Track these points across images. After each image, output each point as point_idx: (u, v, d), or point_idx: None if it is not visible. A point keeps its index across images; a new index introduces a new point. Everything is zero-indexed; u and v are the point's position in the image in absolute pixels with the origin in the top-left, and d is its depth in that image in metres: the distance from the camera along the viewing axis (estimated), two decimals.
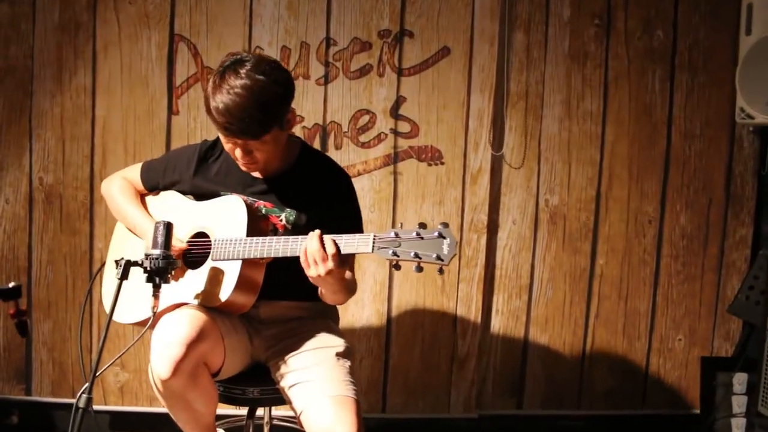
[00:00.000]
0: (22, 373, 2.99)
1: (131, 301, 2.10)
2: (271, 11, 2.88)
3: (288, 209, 2.13)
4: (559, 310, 3.11)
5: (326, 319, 2.25)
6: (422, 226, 1.79)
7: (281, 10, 2.88)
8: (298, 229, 2.12)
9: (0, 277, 2.94)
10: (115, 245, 2.38)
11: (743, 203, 3.12)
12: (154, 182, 2.30)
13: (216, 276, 2.04)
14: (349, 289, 2.08)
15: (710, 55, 3.06)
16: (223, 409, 2.19)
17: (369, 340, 3.03)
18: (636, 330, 3.15)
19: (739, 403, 2.94)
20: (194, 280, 2.07)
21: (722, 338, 3.19)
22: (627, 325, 3.15)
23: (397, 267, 1.83)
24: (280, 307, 2.20)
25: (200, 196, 2.22)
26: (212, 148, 2.22)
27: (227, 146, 2.06)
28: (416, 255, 1.77)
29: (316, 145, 2.92)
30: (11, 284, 1.78)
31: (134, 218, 2.24)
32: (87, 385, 1.79)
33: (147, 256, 1.94)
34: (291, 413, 2.07)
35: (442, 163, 2.97)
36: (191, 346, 1.87)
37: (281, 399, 2.11)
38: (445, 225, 1.78)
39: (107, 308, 2.24)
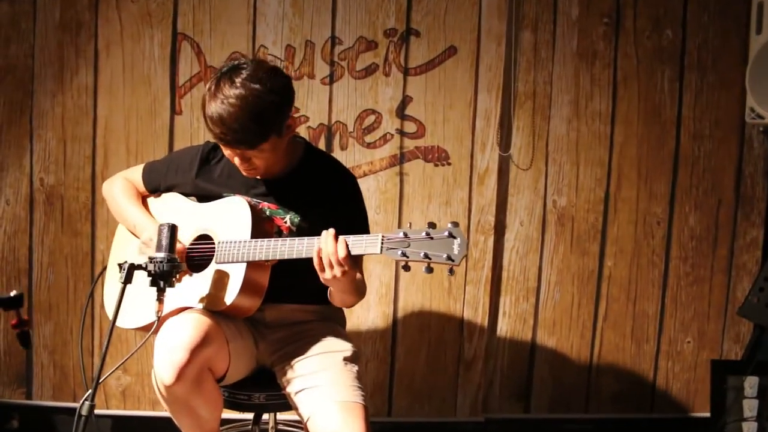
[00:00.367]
0: (22, 376, 2.95)
1: (134, 305, 2.05)
2: (276, 10, 2.84)
3: (292, 211, 2.10)
4: (567, 313, 3.07)
5: (333, 323, 2.21)
6: (431, 225, 1.76)
7: (286, 9, 2.84)
8: (302, 230, 2.08)
9: (0, 279, 2.91)
10: (117, 248, 2.34)
11: (754, 204, 3.08)
12: (155, 183, 2.26)
13: (220, 279, 2.00)
14: (360, 290, 2.04)
15: (720, 54, 3.02)
16: (228, 413, 2.15)
17: (374, 342, 2.99)
18: (644, 333, 3.11)
19: (750, 407, 2.90)
20: (198, 284, 2.03)
21: (732, 341, 3.15)
22: (635, 327, 3.11)
23: (407, 268, 1.79)
24: (285, 310, 2.16)
25: (203, 197, 2.19)
26: (215, 149, 2.19)
27: (226, 153, 2.04)
28: (426, 255, 1.73)
29: (321, 145, 2.88)
30: (12, 293, 1.69)
31: (135, 218, 2.20)
32: (90, 392, 1.74)
33: (151, 259, 1.90)
34: (296, 417, 2.03)
35: (449, 164, 2.94)
36: (195, 351, 1.84)
37: (287, 404, 2.07)
38: (455, 224, 1.74)
39: (109, 313, 2.22)
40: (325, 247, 1.84)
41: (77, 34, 2.82)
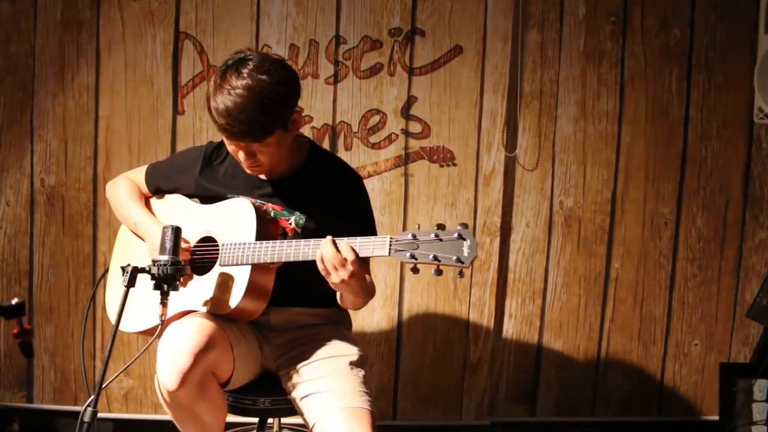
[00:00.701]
0: (23, 379, 2.92)
1: (136, 308, 2.02)
2: (279, 8, 2.81)
3: (297, 212, 2.06)
4: (574, 315, 3.03)
5: (339, 326, 2.18)
6: (440, 227, 1.73)
7: (289, 7, 2.81)
8: (308, 232, 2.05)
9: (1, 281, 2.88)
10: (119, 250, 2.30)
11: (762, 205, 3.05)
12: (158, 184, 2.23)
13: (225, 282, 1.97)
14: (369, 292, 2.01)
15: (727, 54, 2.99)
16: (232, 418, 2.12)
17: (379, 345, 2.96)
18: (651, 335, 3.08)
19: (759, 411, 2.87)
20: (202, 287, 2.00)
21: (740, 343, 3.12)
22: (642, 330, 3.07)
23: (416, 270, 1.75)
24: (291, 313, 2.12)
25: (206, 199, 2.15)
26: (218, 149, 2.15)
27: (230, 148, 1.99)
28: (435, 257, 1.69)
29: (325, 145, 2.85)
30: (14, 301, 1.61)
31: (136, 217, 2.17)
32: (92, 398, 1.71)
33: (155, 262, 1.86)
34: (301, 421, 2.00)
35: (454, 165, 2.90)
36: (199, 355, 1.80)
37: (292, 409, 2.04)
38: (465, 226, 1.71)
39: (111, 317, 2.19)
40: (326, 254, 1.80)
41: (78, 34, 2.79)
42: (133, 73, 2.82)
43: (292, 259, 1.88)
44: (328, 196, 2.06)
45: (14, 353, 2.90)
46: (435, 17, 2.84)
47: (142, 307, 2.03)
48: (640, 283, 3.05)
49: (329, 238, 1.82)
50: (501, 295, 2.99)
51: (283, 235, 2.05)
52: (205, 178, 2.13)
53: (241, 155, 1.96)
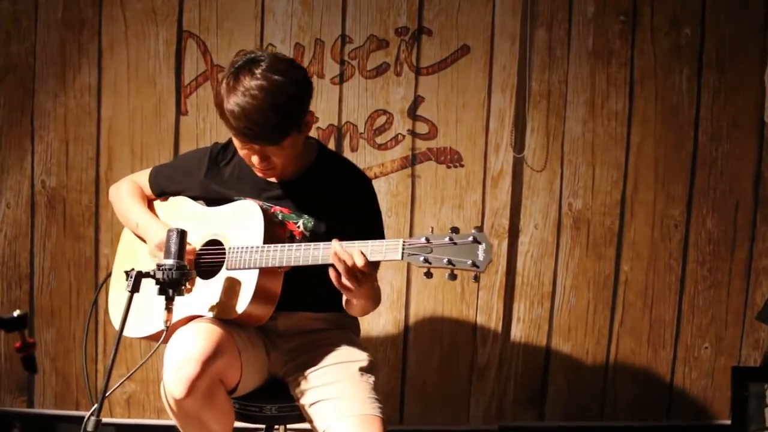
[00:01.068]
0: (23, 384, 2.88)
1: (140, 313, 1.98)
2: (284, 7, 2.77)
3: (306, 215, 2.02)
4: (583, 319, 2.99)
5: (347, 331, 2.14)
6: (454, 230, 1.68)
7: (294, 6, 2.77)
8: (316, 235, 2.00)
9: (1, 284, 2.84)
10: (122, 253, 2.26)
11: None
12: (163, 187, 2.18)
13: (231, 286, 1.92)
14: (377, 298, 1.96)
15: (738, 53, 2.95)
16: (239, 424, 2.07)
17: (386, 349, 2.92)
18: (661, 338, 3.04)
19: None
20: (208, 291, 1.96)
21: (750, 347, 3.08)
22: (652, 333, 3.03)
23: (429, 275, 1.71)
24: (298, 318, 2.08)
25: (212, 201, 2.11)
26: (224, 150, 2.11)
27: (242, 152, 1.94)
28: (449, 262, 1.65)
29: (331, 146, 2.80)
30: (16, 313, 1.51)
31: (137, 217, 2.12)
32: (96, 406, 1.67)
33: (159, 266, 1.82)
34: (308, 426, 1.96)
35: (462, 166, 2.86)
36: (207, 363, 1.76)
37: (300, 416, 1.99)
38: (479, 229, 1.67)
39: (114, 321, 2.15)
40: (339, 258, 1.76)
41: (80, 33, 2.76)
42: (136, 73, 2.78)
43: (301, 263, 1.83)
44: (336, 199, 2.02)
45: (15, 357, 2.84)
46: (442, 16, 2.80)
47: (146, 312, 1.99)
48: (649, 286, 3.01)
49: (336, 242, 1.77)
50: (509, 298, 2.95)
51: (291, 239, 2.01)
52: (210, 179, 2.08)
53: (254, 159, 1.92)
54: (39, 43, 2.75)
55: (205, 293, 1.95)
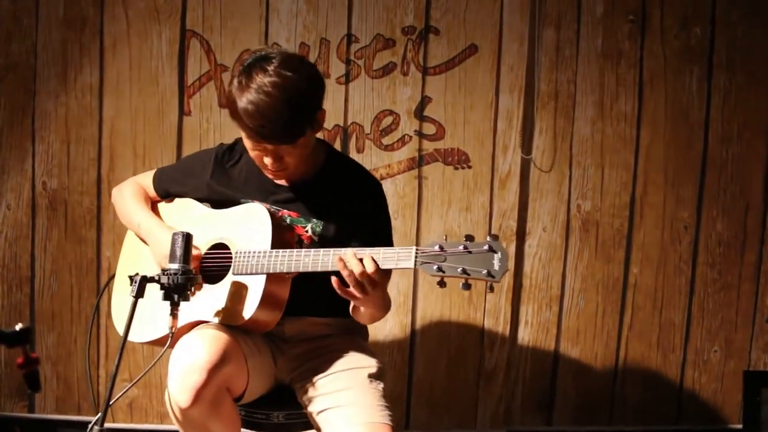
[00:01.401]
0: (24, 388, 2.81)
1: (144, 317, 1.94)
2: (289, 6, 2.73)
3: (314, 219, 1.97)
4: (591, 322, 2.95)
5: (356, 337, 2.10)
6: (469, 238, 1.64)
7: (300, 5, 2.74)
8: (324, 240, 1.96)
9: (2, 287, 2.80)
10: (126, 256, 2.22)
11: None
12: (167, 189, 2.14)
13: (238, 292, 1.88)
14: (387, 306, 1.92)
15: (749, 53, 2.91)
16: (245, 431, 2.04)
17: (392, 353, 2.88)
18: (670, 342, 3.00)
19: None
20: (213, 296, 1.91)
21: (760, 350, 3.04)
22: (661, 336, 2.99)
23: (443, 284, 1.66)
24: (305, 324, 2.04)
25: (218, 203, 2.06)
26: (230, 152, 2.07)
27: (253, 153, 1.89)
28: (464, 271, 1.61)
29: (336, 147, 2.76)
30: (18, 326, 1.39)
31: (140, 219, 2.08)
32: (99, 415, 1.63)
33: (164, 271, 1.78)
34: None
35: (469, 167, 2.82)
36: (213, 371, 1.72)
37: (308, 424, 1.96)
38: (495, 237, 1.62)
39: (117, 325, 2.11)
40: (349, 266, 1.71)
41: (82, 32, 2.72)
42: (138, 73, 2.75)
43: (310, 270, 1.79)
44: (346, 203, 1.97)
45: (13, 360, 2.80)
46: (449, 15, 2.77)
47: (149, 316, 1.95)
48: (659, 288, 2.97)
49: (350, 251, 1.72)
50: (516, 301, 2.92)
51: (299, 243, 1.97)
52: (216, 181, 2.04)
53: (267, 160, 1.87)
54: (40, 42, 2.71)
55: (210, 298, 1.91)
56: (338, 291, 1.75)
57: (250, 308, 1.84)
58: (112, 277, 2.24)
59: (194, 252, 1.91)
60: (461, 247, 1.62)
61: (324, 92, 1.90)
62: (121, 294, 2.15)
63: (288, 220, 1.98)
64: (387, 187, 2.78)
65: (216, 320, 1.89)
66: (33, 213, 2.78)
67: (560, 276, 2.93)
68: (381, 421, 1.82)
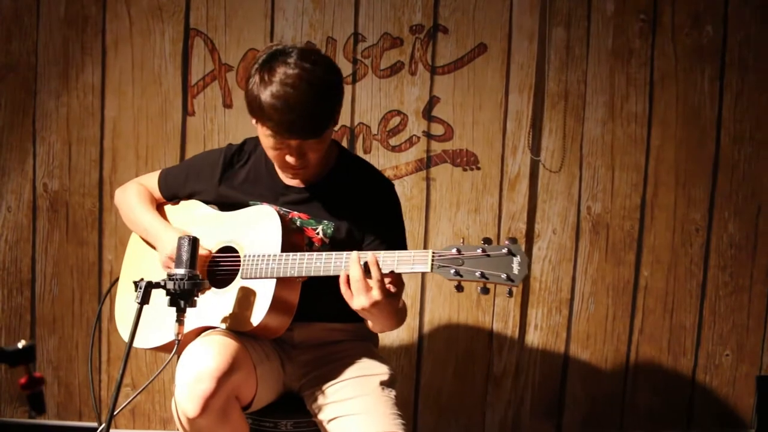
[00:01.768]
0: (24, 394, 2.78)
1: (149, 323, 1.88)
2: (295, 4, 2.69)
3: (325, 221, 1.92)
4: (601, 326, 2.91)
5: (366, 342, 2.04)
6: (487, 241, 1.59)
7: (306, 3, 2.69)
8: (335, 242, 1.91)
9: (2, 291, 2.75)
10: (130, 258, 2.16)
11: None
12: (173, 191, 2.09)
13: (246, 297, 1.83)
14: (400, 316, 1.86)
15: (762, 52, 2.86)
16: None
17: (399, 357, 2.83)
18: (681, 346, 2.96)
19: None
20: (221, 301, 1.86)
21: None
22: (672, 340, 2.95)
23: (460, 288, 1.61)
24: (315, 329, 1.98)
25: (225, 206, 2.01)
26: (239, 152, 2.01)
27: (274, 152, 1.82)
28: (482, 275, 1.55)
29: None
30: (21, 344, 1.28)
31: (146, 222, 2.03)
32: (104, 426, 1.58)
33: (170, 276, 1.72)
34: None
35: (478, 168, 2.77)
36: (222, 379, 1.66)
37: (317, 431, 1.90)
38: (514, 240, 1.57)
39: (121, 330, 2.06)
40: (352, 274, 1.66)
41: (83, 30, 2.69)
42: (141, 72, 2.71)
43: (322, 274, 1.74)
44: (357, 204, 1.92)
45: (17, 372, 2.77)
46: (458, 13, 2.72)
47: (154, 322, 1.90)
48: (670, 292, 2.93)
49: (356, 255, 1.66)
50: (526, 304, 2.87)
51: (309, 246, 1.91)
52: (225, 184, 1.99)
53: (289, 158, 1.81)
54: (41, 41, 2.68)
55: (218, 303, 1.86)
56: (347, 299, 1.68)
57: (259, 314, 1.79)
58: (115, 281, 2.19)
59: (203, 252, 1.86)
60: (479, 251, 1.57)
61: (344, 82, 1.85)
62: (125, 298, 2.10)
63: (298, 223, 1.92)
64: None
65: (223, 326, 1.84)
66: (34, 215, 2.75)
67: (570, 279, 2.88)
68: (394, 430, 1.76)
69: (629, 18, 2.81)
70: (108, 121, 2.72)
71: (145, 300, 1.71)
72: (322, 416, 1.85)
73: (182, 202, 2.08)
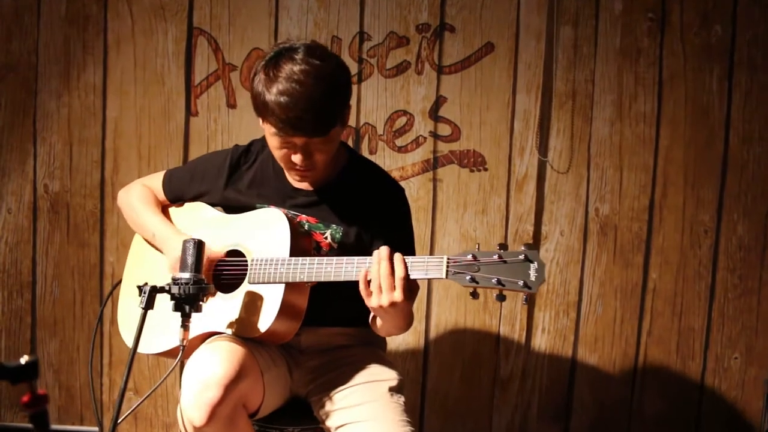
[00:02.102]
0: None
1: (153, 328, 1.85)
2: (299, 2, 2.67)
3: (334, 225, 1.88)
4: (609, 329, 2.87)
5: (374, 347, 2.01)
6: (503, 246, 1.55)
7: (310, 2, 2.67)
8: (344, 247, 1.87)
9: (2, 293, 2.72)
10: (133, 261, 2.13)
11: None
12: (178, 193, 2.05)
13: (253, 302, 1.79)
14: (410, 319, 1.83)
15: None
16: None
17: (405, 361, 2.80)
18: (690, 349, 2.92)
19: None
20: (227, 306, 1.83)
21: None
22: (681, 343, 2.91)
23: (475, 295, 1.58)
24: (322, 334, 1.95)
25: (231, 208, 1.97)
26: (246, 154, 1.97)
27: (280, 152, 1.79)
28: (499, 282, 1.52)
29: None
30: (23, 359, 1.16)
31: (154, 227, 1.99)
32: None
33: (175, 280, 1.69)
34: None
35: (485, 169, 2.74)
36: (229, 387, 1.63)
37: None
38: (530, 246, 1.54)
39: (123, 334, 2.03)
40: (375, 270, 1.62)
41: (85, 29, 2.67)
42: (143, 72, 2.69)
43: (332, 279, 1.70)
44: (367, 209, 1.88)
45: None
46: (465, 12, 2.69)
47: (159, 327, 1.86)
48: (678, 294, 2.89)
49: (385, 250, 1.63)
50: (533, 307, 2.83)
51: (317, 250, 1.88)
52: (231, 187, 1.95)
53: (295, 158, 1.77)
54: (42, 41, 2.67)
55: (224, 308, 1.83)
56: (366, 299, 1.65)
57: (267, 320, 1.75)
58: (117, 284, 2.15)
59: (212, 255, 1.82)
60: (495, 257, 1.53)
61: (352, 80, 1.82)
62: (128, 301, 2.06)
63: (306, 226, 1.89)
64: None
65: (229, 332, 1.80)
66: (34, 216, 2.72)
67: (578, 281, 2.84)
68: None
69: (637, 17, 2.78)
70: (110, 122, 2.70)
71: (149, 305, 1.68)
72: (330, 423, 1.81)
73: (186, 205, 2.05)
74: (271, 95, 1.68)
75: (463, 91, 2.71)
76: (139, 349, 1.88)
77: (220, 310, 1.83)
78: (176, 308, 1.70)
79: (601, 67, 2.79)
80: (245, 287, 1.81)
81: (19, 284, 2.74)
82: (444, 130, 2.72)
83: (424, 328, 2.79)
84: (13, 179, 2.69)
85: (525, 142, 2.75)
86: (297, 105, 1.67)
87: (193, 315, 1.72)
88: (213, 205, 2.00)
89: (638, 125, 2.82)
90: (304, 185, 1.90)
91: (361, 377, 1.86)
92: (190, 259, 1.73)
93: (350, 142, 2.70)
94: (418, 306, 2.77)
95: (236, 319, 1.80)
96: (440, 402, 2.83)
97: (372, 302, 1.64)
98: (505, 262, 1.52)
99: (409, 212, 1.97)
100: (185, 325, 1.70)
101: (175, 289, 1.69)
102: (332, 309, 1.89)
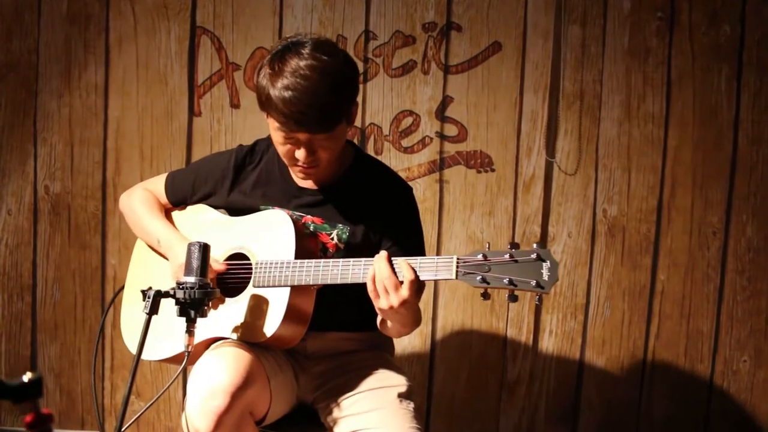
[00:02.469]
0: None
1: (157, 334, 1.80)
2: (304, 1, 2.64)
3: (340, 225, 1.85)
4: (617, 331, 2.84)
5: (382, 352, 1.98)
6: (514, 246, 1.52)
7: (315, 0, 2.63)
8: (350, 247, 1.84)
9: (2, 296, 2.69)
10: (136, 264, 2.09)
11: None
12: (181, 195, 2.01)
13: (258, 306, 1.76)
14: (418, 320, 1.79)
15: None
16: None
17: (411, 364, 2.77)
18: (698, 351, 2.89)
19: None
20: (232, 311, 1.79)
21: None
22: (689, 346, 2.88)
23: (486, 296, 1.54)
24: (329, 339, 1.91)
25: (236, 211, 1.94)
26: (250, 153, 1.94)
27: (284, 148, 1.75)
28: (511, 282, 1.48)
29: None
30: (26, 377, 1.09)
31: (158, 232, 1.95)
32: None
33: (180, 285, 1.65)
34: None
35: (493, 170, 2.71)
36: (236, 394, 1.59)
37: None
38: (542, 245, 1.51)
39: (126, 340, 1.99)
40: (379, 273, 1.59)
41: (86, 28, 2.65)
42: (146, 71, 2.66)
43: (339, 282, 1.67)
44: (374, 208, 1.85)
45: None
46: (472, 11, 2.66)
47: (163, 332, 1.82)
48: (687, 296, 2.86)
49: (384, 254, 1.61)
50: (540, 310, 2.80)
51: (323, 251, 1.84)
52: (236, 189, 1.92)
53: (299, 154, 1.73)
54: (42, 40, 2.64)
55: (228, 313, 1.79)
56: (374, 301, 1.62)
57: (272, 324, 1.72)
58: (120, 290, 2.12)
59: (216, 267, 1.79)
60: (506, 256, 1.50)
61: (359, 78, 1.78)
62: (131, 306, 2.02)
63: (312, 228, 1.85)
64: None
65: (235, 336, 1.77)
66: (35, 218, 2.70)
67: (585, 283, 2.81)
68: None
69: (646, 16, 2.75)
70: (111, 122, 2.67)
71: (154, 310, 1.64)
72: (338, 430, 1.78)
73: (189, 207, 2.01)
74: (276, 89, 1.66)
75: (469, 91, 2.68)
76: (143, 356, 1.85)
77: (224, 314, 1.79)
78: (181, 313, 1.66)
79: (610, 66, 2.76)
80: (250, 291, 1.78)
81: (19, 287, 2.71)
82: (450, 130, 2.69)
83: (431, 331, 2.76)
84: (13, 180, 2.66)
85: (532, 143, 2.72)
86: (301, 100, 1.64)
87: (198, 320, 1.68)
88: (216, 207, 1.96)
89: (646, 126, 2.79)
90: (310, 184, 1.87)
91: (369, 383, 1.83)
92: (195, 263, 1.69)
93: (355, 142, 2.66)
94: (425, 309, 2.73)
95: (241, 324, 1.76)
96: (447, 405, 2.80)
97: (381, 303, 1.61)
98: (516, 261, 1.49)
99: (417, 211, 1.94)
100: (190, 331, 1.67)
101: (180, 294, 1.65)
102: (338, 313, 1.85)
